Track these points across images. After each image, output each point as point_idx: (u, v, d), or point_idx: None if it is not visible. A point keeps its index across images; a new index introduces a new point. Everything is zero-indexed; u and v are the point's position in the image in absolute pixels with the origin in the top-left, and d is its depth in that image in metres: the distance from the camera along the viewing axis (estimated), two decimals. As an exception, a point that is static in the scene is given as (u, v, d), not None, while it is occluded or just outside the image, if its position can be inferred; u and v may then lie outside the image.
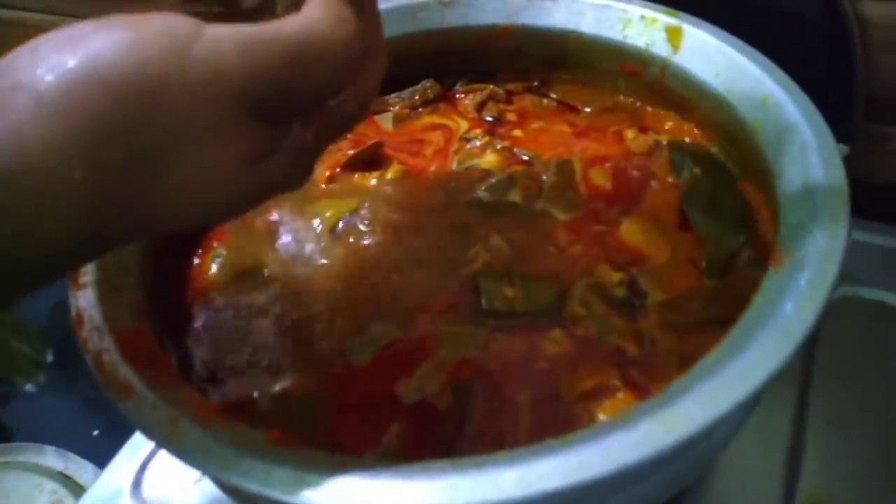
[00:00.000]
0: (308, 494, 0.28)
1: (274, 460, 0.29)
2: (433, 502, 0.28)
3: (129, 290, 0.40)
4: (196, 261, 0.48)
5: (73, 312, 0.37)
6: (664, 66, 0.52)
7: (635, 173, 0.50)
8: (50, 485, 0.77)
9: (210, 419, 0.32)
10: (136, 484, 0.51)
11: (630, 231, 0.46)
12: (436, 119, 0.59)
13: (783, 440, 0.49)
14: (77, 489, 0.77)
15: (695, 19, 0.51)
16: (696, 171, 0.50)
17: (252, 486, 0.29)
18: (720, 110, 0.49)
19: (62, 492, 0.77)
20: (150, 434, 0.32)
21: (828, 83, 0.47)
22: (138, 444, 0.55)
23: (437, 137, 0.57)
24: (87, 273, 0.39)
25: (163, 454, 0.53)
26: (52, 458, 0.81)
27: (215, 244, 0.49)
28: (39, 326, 1.02)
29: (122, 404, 0.33)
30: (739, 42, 0.48)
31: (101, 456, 0.82)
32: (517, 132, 0.56)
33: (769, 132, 0.44)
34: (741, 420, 0.40)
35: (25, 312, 1.03)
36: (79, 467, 0.80)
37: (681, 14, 0.52)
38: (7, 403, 0.94)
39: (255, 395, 0.41)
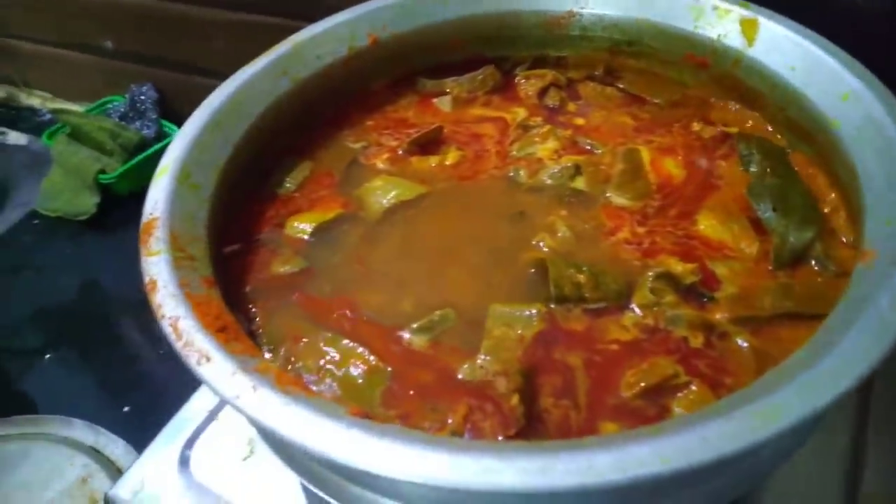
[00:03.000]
0: (399, 468, 0.27)
1: (363, 431, 0.29)
2: (527, 484, 0.27)
3: (199, 259, 0.39)
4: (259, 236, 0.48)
5: (147, 279, 0.36)
6: (737, 58, 0.51)
7: (706, 164, 0.49)
8: (81, 458, 0.77)
9: (290, 389, 0.32)
10: (184, 461, 0.51)
11: (709, 224, 0.45)
12: (488, 112, 0.58)
13: (844, 445, 0.48)
14: (108, 464, 0.77)
15: (769, 11, 0.50)
16: (764, 163, 0.49)
17: (342, 456, 0.28)
18: (796, 105, 0.48)
19: (93, 466, 0.76)
20: (231, 400, 0.31)
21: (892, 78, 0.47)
22: (182, 423, 0.54)
23: (490, 130, 0.56)
24: (160, 241, 0.38)
25: (209, 432, 0.53)
26: (81, 431, 0.81)
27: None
28: (70, 301, 1.02)
29: (202, 370, 0.32)
30: (816, 35, 0.48)
31: (132, 432, 0.82)
32: (579, 120, 0.55)
33: (850, 128, 0.43)
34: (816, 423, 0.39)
35: (55, 288, 1.04)
36: (109, 442, 0.80)
37: (754, 6, 0.51)
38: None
39: (317, 367, 0.40)
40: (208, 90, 0.50)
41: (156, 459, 0.52)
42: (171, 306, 0.35)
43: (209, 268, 0.40)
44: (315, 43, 0.54)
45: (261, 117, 0.51)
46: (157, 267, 0.37)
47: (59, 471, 0.77)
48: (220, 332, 0.34)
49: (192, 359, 0.33)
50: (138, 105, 1.15)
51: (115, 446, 0.79)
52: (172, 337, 0.34)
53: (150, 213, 0.40)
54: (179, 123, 1.19)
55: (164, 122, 1.16)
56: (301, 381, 0.33)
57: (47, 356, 0.94)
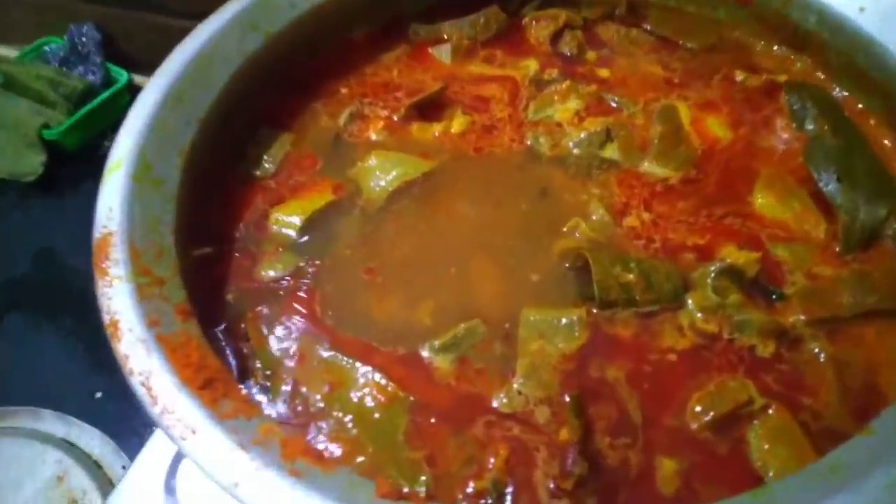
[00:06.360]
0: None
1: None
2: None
3: (169, 281, 0.32)
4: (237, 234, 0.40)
5: (107, 319, 0.29)
6: (792, -5, 0.43)
7: (754, 122, 0.42)
8: (53, 454, 0.70)
9: (300, 463, 0.25)
10: (170, 491, 0.44)
11: (766, 202, 0.39)
12: (493, 70, 0.48)
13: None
14: (84, 457, 0.71)
15: (833, -62, 0.42)
16: (822, 121, 0.43)
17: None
18: (864, 51, 0.41)
19: (68, 461, 0.70)
20: (230, 489, 0.24)
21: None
22: (161, 448, 0.47)
23: (496, 91, 0.47)
24: (118, 263, 0.31)
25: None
26: (51, 422, 0.74)
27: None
28: (23, 274, 0.93)
29: (188, 446, 0.25)
30: (891, -32, 0.40)
31: (106, 420, 0.75)
32: (603, 72, 0.47)
33: (939, 83, 0.37)
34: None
35: (5, 259, 0.94)
36: (83, 433, 0.73)
37: (814, -68, 0.43)
38: None
39: (325, 395, 0.34)
40: (158, 29, 0.41)
41: (140, 482, 0.46)
42: (140, 357, 0.28)
43: (182, 290, 0.32)
44: (288, -13, 0.44)
45: (229, 83, 0.42)
46: (117, 301, 0.29)
47: (31, 469, 0.70)
48: (204, 389, 0.27)
49: (174, 431, 0.26)
50: (80, 48, 1.02)
51: (89, 437, 0.72)
52: (146, 399, 0.27)
53: (104, 227, 0.32)
54: (128, 66, 1.08)
55: (111, 66, 1.03)
56: (312, 449, 0.26)
57: (3, 337, 0.86)
